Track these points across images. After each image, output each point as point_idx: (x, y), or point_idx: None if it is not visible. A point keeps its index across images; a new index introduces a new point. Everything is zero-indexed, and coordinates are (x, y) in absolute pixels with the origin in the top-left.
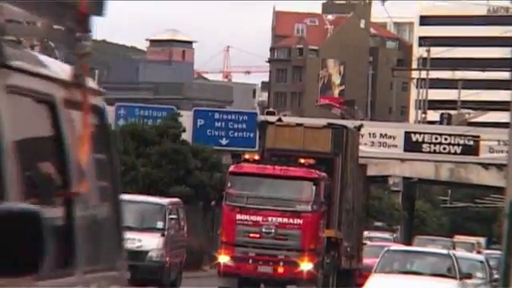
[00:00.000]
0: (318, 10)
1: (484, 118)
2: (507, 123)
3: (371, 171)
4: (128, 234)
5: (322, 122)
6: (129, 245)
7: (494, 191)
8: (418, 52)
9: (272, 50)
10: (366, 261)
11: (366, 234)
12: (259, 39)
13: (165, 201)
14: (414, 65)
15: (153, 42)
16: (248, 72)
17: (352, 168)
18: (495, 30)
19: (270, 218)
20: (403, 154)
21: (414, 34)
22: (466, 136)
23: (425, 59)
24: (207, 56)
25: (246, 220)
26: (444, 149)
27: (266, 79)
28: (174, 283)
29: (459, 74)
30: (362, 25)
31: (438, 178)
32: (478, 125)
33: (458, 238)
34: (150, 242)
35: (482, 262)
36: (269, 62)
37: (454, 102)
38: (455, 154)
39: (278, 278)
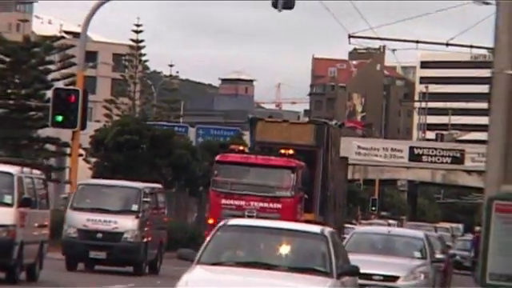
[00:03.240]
0: (346, 57)
1: (468, 136)
2: (485, 140)
3: (385, 176)
4: (105, 217)
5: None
6: (105, 226)
7: (476, 191)
8: (420, 88)
9: (311, 86)
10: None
11: (369, 220)
12: (302, 78)
13: (141, 185)
14: (417, 98)
15: (223, 80)
16: (294, 102)
17: (333, 159)
18: (476, 72)
19: (252, 203)
20: (408, 163)
21: (417, 75)
22: (454, 150)
23: (424, 93)
24: (264, 90)
25: (231, 204)
26: (438, 159)
27: (307, 108)
28: (154, 262)
29: (450, 105)
30: (378, 68)
31: (434, 180)
32: (463, 142)
33: (440, 224)
34: (125, 224)
35: (420, 239)
36: (309, 95)
37: (445, 125)
38: (446, 163)
39: None
